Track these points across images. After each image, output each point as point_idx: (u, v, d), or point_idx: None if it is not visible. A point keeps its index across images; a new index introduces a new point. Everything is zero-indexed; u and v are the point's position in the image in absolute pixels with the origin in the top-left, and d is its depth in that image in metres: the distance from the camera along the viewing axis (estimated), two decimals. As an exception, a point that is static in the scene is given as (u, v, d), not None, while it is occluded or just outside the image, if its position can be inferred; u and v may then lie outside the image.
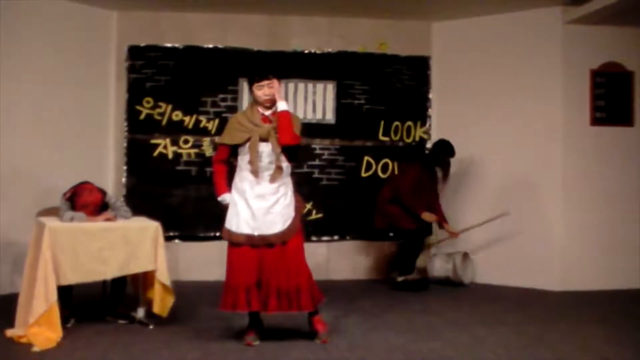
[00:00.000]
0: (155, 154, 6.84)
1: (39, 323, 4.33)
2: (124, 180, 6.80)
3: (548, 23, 6.57)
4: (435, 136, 7.15)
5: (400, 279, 6.48)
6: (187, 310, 5.23)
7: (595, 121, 6.62)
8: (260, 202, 4.34)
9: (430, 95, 7.23)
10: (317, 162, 7.01)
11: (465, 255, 6.77)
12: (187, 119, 6.87)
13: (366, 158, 7.10)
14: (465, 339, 4.63)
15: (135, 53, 6.84)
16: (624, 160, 6.63)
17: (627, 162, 6.64)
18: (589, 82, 6.61)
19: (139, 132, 6.82)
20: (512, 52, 6.76)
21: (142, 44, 6.85)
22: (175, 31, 6.89)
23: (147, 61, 6.84)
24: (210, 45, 6.93)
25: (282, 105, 4.37)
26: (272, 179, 4.35)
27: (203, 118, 6.88)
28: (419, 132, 7.20)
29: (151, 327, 4.79)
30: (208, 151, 6.79)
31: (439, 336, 4.68)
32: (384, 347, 4.41)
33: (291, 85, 6.96)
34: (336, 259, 7.04)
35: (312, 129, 6.87)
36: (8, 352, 4.20)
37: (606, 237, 6.56)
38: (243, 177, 4.39)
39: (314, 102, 7.02)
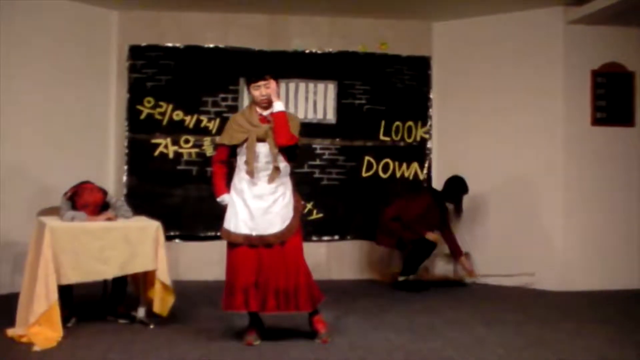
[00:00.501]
0: (156, 153, 6.84)
1: (40, 322, 4.33)
2: (124, 179, 6.80)
3: (549, 23, 6.57)
4: (436, 136, 7.16)
5: (401, 278, 6.48)
6: (187, 310, 5.23)
7: (596, 121, 6.62)
8: (258, 202, 4.34)
9: (431, 95, 7.22)
10: (317, 162, 7.01)
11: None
12: (187, 118, 6.87)
13: (367, 158, 7.10)
14: (466, 338, 4.63)
15: (136, 53, 6.84)
16: (624, 160, 6.63)
17: (628, 162, 6.64)
18: (589, 82, 6.61)
19: (140, 132, 6.82)
20: (513, 52, 6.76)
21: (143, 44, 6.85)
22: (176, 31, 6.89)
23: (148, 61, 6.84)
24: (211, 45, 6.93)
25: (278, 106, 4.37)
26: (270, 179, 4.35)
27: (204, 118, 6.89)
28: (419, 132, 7.20)
29: (152, 326, 4.79)
30: (209, 151, 6.79)
31: (439, 336, 4.68)
32: (384, 346, 4.41)
33: (292, 85, 6.96)
34: (336, 259, 7.04)
35: (312, 129, 6.88)
36: (9, 351, 4.20)
37: (607, 237, 6.56)
38: (241, 177, 4.40)
39: (314, 102, 7.02)
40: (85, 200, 4.82)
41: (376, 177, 7.10)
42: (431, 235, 6.44)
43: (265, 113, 4.42)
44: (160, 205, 6.59)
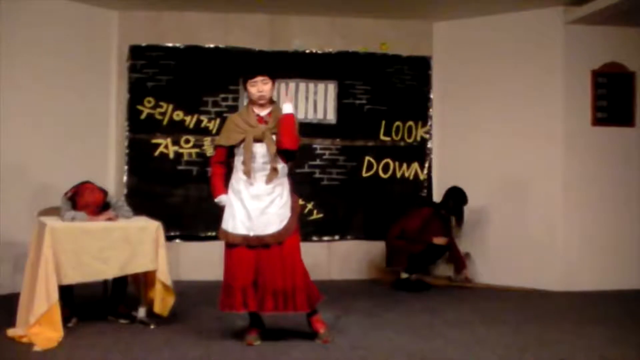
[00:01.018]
0: (157, 153, 6.84)
1: (40, 323, 4.33)
2: (125, 179, 6.80)
3: (549, 23, 6.57)
4: (436, 136, 7.16)
5: (404, 275, 6.48)
6: (188, 310, 5.24)
7: (597, 121, 6.62)
8: (255, 203, 4.34)
9: (432, 95, 7.22)
10: (318, 162, 7.01)
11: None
12: (188, 118, 6.87)
13: (367, 158, 7.10)
14: (466, 338, 4.64)
15: (136, 53, 6.84)
16: (625, 160, 6.63)
17: (628, 162, 6.63)
18: (590, 83, 6.61)
19: (140, 132, 6.83)
20: (513, 52, 6.76)
21: (144, 44, 6.85)
22: (176, 31, 6.89)
23: (149, 61, 6.85)
24: (212, 45, 6.94)
25: (288, 108, 4.36)
26: (268, 180, 4.35)
27: (204, 118, 6.89)
28: (420, 132, 7.20)
29: (152, 326, 4.79)
30: (209, 151, 6.79)
31: (440, 336, 4.69)
32: (385, 346, 4.41)
33: (292, 85, 6.96)
34: (337, 259, 7.04)
35: (313, 129, 6.88)
36: (9, 351, 4.20)
37: (607, 237, 6.56)
38: (239, 177, 4.39)
39: (315, 102, 7.02)
40: (85, 200, 4.82)
41: (376, 177, 7.10)
42: (439, 240, 6.44)
43: (263, 113, 4.42)
44: (160, 205, 6.59)
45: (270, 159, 4.34)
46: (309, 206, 6.92)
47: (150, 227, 4.79)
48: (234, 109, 6.77)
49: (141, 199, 6.56)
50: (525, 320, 5.23)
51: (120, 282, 4.99)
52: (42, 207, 5.26)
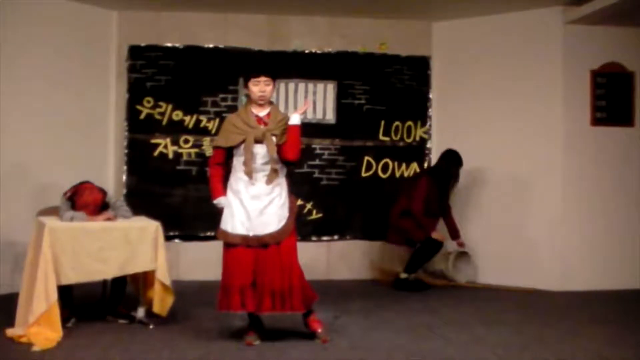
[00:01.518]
0: (156, 153, 6.84)
1: (39, 323, 4.33)
2: (124, 179, 6.80)
3: (549, 23, 6.57)
4: (435, 136, 7.16)
5: (403, 275, 6.48)
6: (187, 310, 5.23)
7: (596, 121, 6.62)
8: (255, 203, 4.34)
9: (431, 95, 7.22)
10: (317, 162, 7.00)
11: (464, 254, 6.77)
12: (187, 118, 6.87)
13: (366, 158, 7.09)
14: (466, 338, 4.63)
15: (135, 53, 6.84)
16: (624, 160, 6.63)
17: (628, 162, 6.64)
18: (589, 83, 6.61)
19: (140, 132, 6.82)
20: (512, 52, 6.76)
21: (143, 44, 6.85)
22: (175, 31, 6.89)
23: (148, 61, 6.84)
24: (211, 45, 6.93)
25: (295, 119, 4.39)
26: (269, 181, 4.35)
27: (203, 118, 6.89)
28: (419, 132, 7.20)
29: (151, 326, 4.79)
30: (208, 151, 6.78)
31: (439, 336, 4.68)
32: (384, 346, 4.41)
33: (291, 85, 6.96)
34: (336, 259, 7.04)
35: (312, 129, 6.86)
36: (8, 351, 4.20)
37: (606, 237, 6.56)
38: (238, 177, 4.39)
39: (314, 102, 7.01)
40: (84, 200, 4.82)
41: (376, 177, 7.10)
42: (437, 235, 6.45)
43: (262, 114, 4.42)
44: (160, 205, 6.58)
45: (270, 160, 4.34)
46: (308, 206, 6.92)
47: (149, 227, 4.79)
48: (233, 109, 6.76)
49: (140, 199, 6.55)
50: (525, 320, 5.23)
51: (120, 282, 4.98)
52: (42, 207, 5.26)
